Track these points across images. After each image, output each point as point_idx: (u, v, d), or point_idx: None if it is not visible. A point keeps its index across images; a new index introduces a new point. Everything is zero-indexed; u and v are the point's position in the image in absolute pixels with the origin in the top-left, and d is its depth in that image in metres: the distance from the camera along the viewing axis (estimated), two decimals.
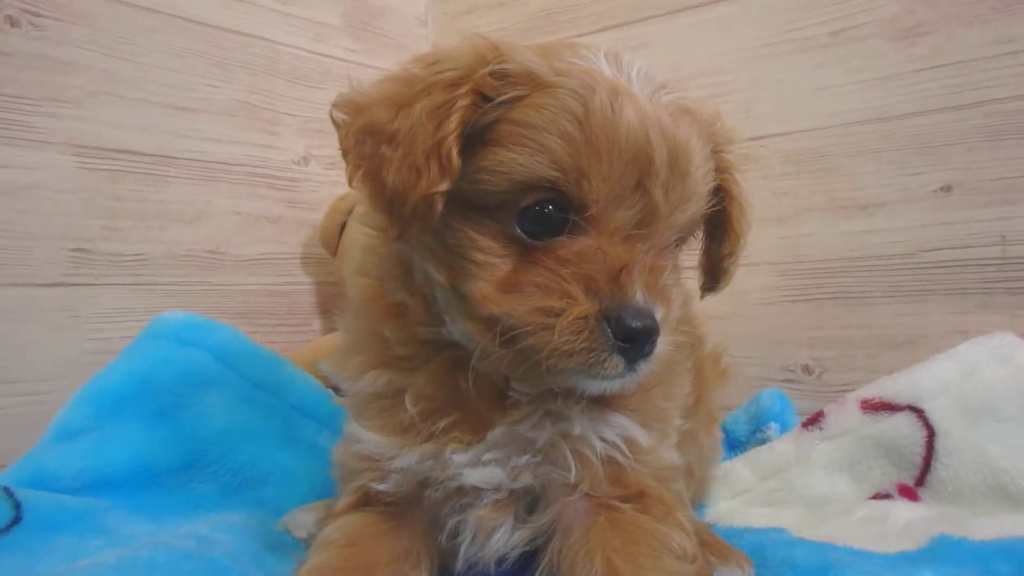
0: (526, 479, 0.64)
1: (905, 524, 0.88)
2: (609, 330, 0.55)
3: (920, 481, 0.97)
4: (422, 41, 1.55)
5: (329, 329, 1.36)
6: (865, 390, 1.02)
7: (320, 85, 1.36)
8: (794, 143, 1.15)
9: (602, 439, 0.64)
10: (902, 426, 0.98)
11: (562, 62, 0.59)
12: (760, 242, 1.17)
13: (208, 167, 1.22)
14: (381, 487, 0.68)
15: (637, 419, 0.66)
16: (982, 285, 1.02)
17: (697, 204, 0.61)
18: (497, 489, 0.65)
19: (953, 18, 1.03)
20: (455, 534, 0.67)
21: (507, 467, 0.64)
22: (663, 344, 0.57)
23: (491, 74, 0.58)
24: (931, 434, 0.96)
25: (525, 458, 0.64)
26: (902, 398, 0.99)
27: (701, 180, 0.61)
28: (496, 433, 0.64)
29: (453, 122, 0.56)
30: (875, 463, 0.99)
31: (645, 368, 0.57)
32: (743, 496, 1.05)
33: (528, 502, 0.66)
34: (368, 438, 0.68)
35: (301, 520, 0.88)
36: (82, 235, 1.09)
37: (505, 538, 0.66)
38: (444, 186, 0.56)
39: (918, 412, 0.97)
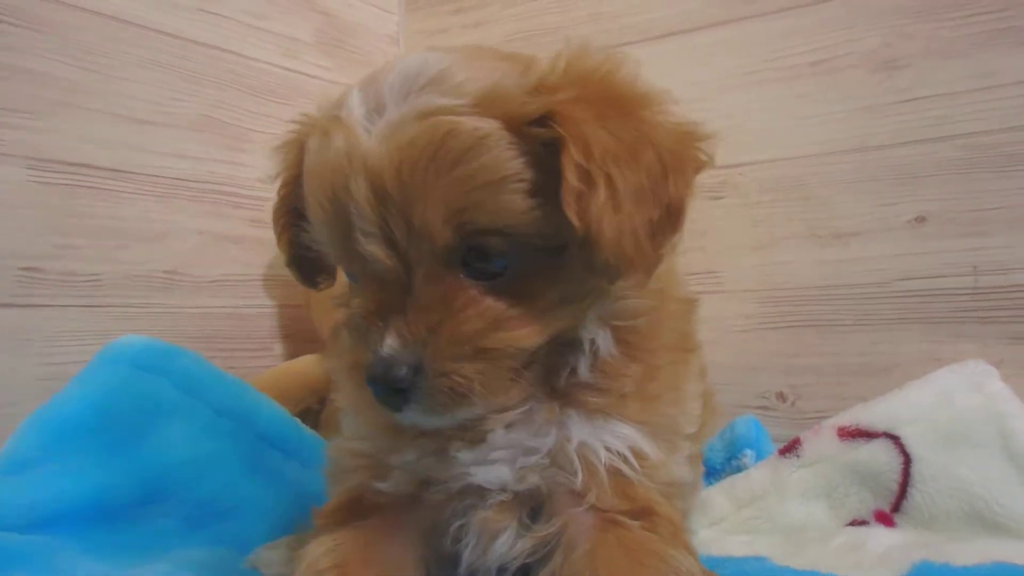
0: (533, 480, 0.62)
1: (884, 551, 0.88)
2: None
3: (896, 507, 0.97)
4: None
5: (291, 354, 1.32)
6: (841, 417, 1.02)
7: (289, 102, 1.33)
8: (772, 171, 1.15)
9: (607, 448, 0.62)
10: (879, 453, 0.98)
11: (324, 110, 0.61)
12: (737, 269, 1.17)
13: (170, 184, 1.17)
14: (381, 486, 0.65)
15: (645, 430, 0.63)
16: (954, 314, 1.03)
17: (456, 214, 0.54)
18: (503, 490, 0.62)
19: (931, 52, 1.05)
20: (457, 539, 0.64)
21: (514, 467, 0.62)
22: (442, 379, 0.55)
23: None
24: (907, 460, 0.96)
25: (533, 459, 0.62)
26: (878, 425, 0.99)
27: (440, 188, 0.53)
28: (497, 435, 0.62)
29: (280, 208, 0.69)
30: (852, 490, 0.99)
31: (427, 406, 0.56)
32: (720, 524, 1.04)
33: (533, 508, 0.64)
34: (367, 432, 0.65)
35: (269, 558, 0.84)
36: (34, 253, 1.03)
37: (509, 543, 0.63)
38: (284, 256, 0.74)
39: (894, 439, 0.97)
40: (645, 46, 1.27)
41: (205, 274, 1.20)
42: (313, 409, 1.21)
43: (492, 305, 0.56)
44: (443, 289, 0.56)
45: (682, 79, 1.23)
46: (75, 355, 1.04)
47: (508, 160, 0.54)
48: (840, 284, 1.09)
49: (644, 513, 0.62)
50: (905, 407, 0.98)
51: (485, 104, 0.54)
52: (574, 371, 0.62)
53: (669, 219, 0.56)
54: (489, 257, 0.56)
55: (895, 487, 0.96)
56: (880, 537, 0.91)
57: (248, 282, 1.27)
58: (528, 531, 0.63)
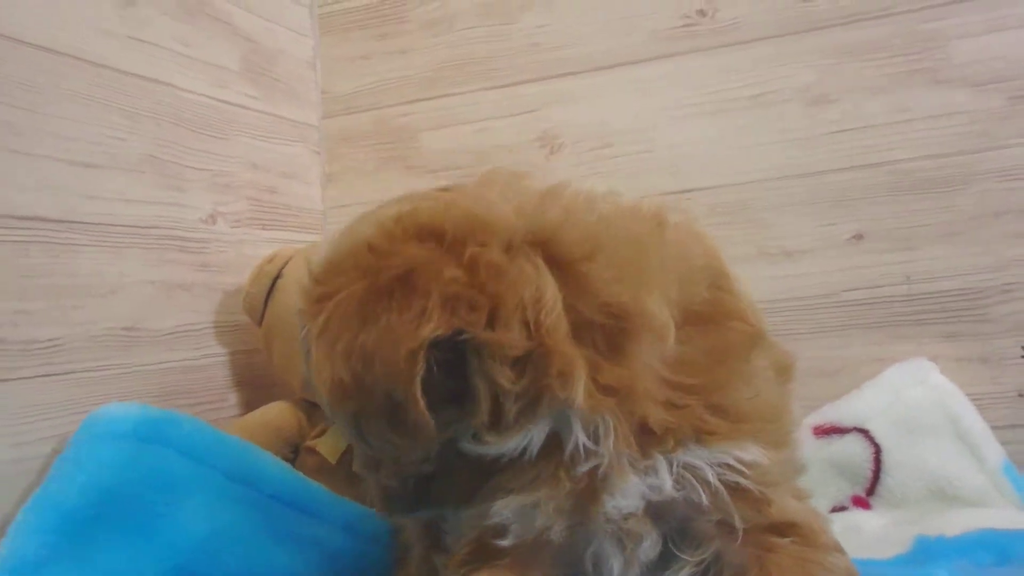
0: (668, 493, 0.60)
1: (881, 531, 1.01)
2: None
3: (871, 491, 1.10)
4: (311, 86, 1.46)
5: (247, 402, 1.24)
6: (813, 418, 1.14)
7: (223, 135, 1.24)
8: (720, 196, 1.25)
9: (712, 464, 0.60)
10: (852, 445, 1.11)
11: None
12: None
13: (119, 232, 1.06)
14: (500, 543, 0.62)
15: (749, 439, 0.61)
16: (892, 319, 1.17)
17: None
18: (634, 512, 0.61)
19: (857, 88, 1.19)
20: (596, 562, 0.63)
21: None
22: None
23: None
24: (878, 450, 1.10)
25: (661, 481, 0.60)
26: (847, 421, 1.12)
27: None
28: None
29: None
30: (831, 480, 1.11)
31: None
32: None
33: (677, 529, 0.63)
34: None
35: None
36: None
37: (655, 550, 0.62)
38: None
39: (864, 432, 1.11)
40: (587, 77, 1.33)
41: (161, 327, 1.10)
42: (288, 459, 1.15)
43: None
44: None
45: (628, 109, 1.30)
46: (46, 430, 0.93)
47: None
48: (791, 297, 1.21)
49: (789, 528, 0.62)
50: (868, 403, 1.11)
51: None
52: None
53: (400, 404, 0.55)
54: None
55: (869, 474, 1.09)
56: (870, 520, 1.04)
57: (200, 332, 1.18)
58: (681, 552, 0.63)
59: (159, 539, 0.84)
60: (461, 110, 1.40)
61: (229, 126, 1.26)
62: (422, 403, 0.52)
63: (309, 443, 1.16)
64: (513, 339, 0.53)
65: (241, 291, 1.20)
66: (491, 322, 0.53)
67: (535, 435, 0.58)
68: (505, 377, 0.54)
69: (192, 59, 1.21)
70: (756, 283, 1.17)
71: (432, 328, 0.51)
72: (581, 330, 0.56)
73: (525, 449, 0.58)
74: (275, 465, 1.00)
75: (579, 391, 0.55)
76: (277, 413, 1.17)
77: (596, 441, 0.58)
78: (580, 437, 0.57)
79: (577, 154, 1.33)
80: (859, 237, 1.19)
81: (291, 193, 1.39)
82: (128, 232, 1.07)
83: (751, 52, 1.24)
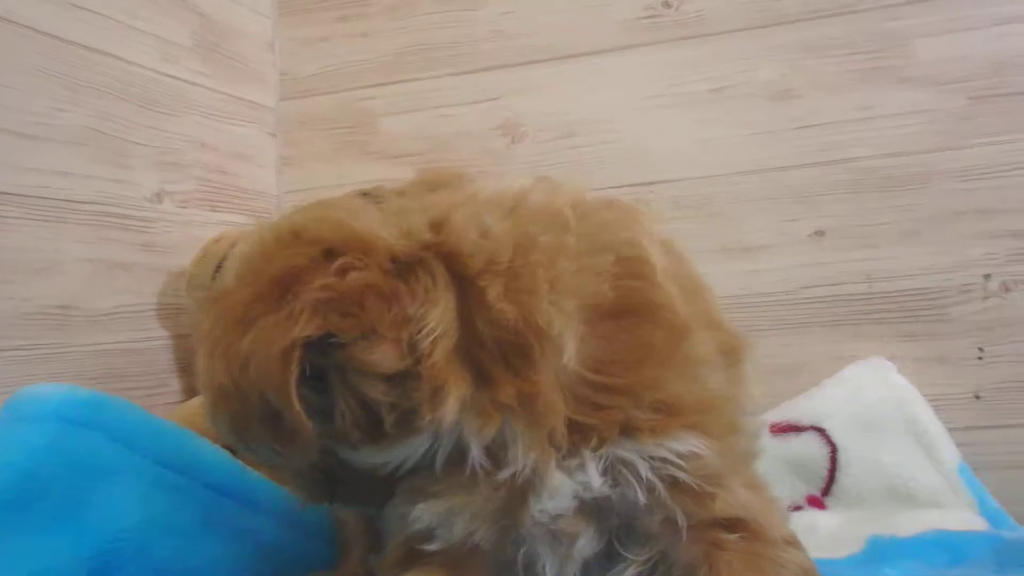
0: (600, 490, 0.58)
1: (836, 530, 0.99)
2: None
3: (826, 491, 1.09)
4: (269, 67, 1.42)
5: (189, 388, 1.19)
6: (771, 415, 1.12)
7: (173, 112, 1.20)
8: (682, 190, 1.23)
9: (645, 458, 0.58)
10: (809, 443, 1.09)
11: None
12: None
13: (56, 206, 1.01)
14: (428, 547, 0.60)
15: (686, 430, 0.58)
16: (853, 317, 1.16)
17: None
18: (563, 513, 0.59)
19: (820, 85, 1.18)
20: (528, 563, 0.61)
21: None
22: None
23: None
24: (834, 449, 1.08)
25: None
26: (805, 420, 1.10)
27: None
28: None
29: None
30: (787, 479, 1.09)
31: None
32: None
33: (621, 527, 0.61)
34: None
35: None
36: None
37: (591, 547, 0.61)
38: None
39: (820, 431, 1.09)
40: (550, 66, 1.31)
41: (98, 307, 1.06)
42: (230, 448, 1.11)
43: None
44: None
45: (589, 99, 1.28)
46: None
47: None
48: (752, 293, 1.20)
49: (736, 524, 0.60)
50: (826, 402, 1.10)
51: None
52: None
53: (278, 410, 0.53)
54: None
55: (825, 473, 1.08)
56: (825, 520, 1.03)
57: (142, 313, 1.13)
58: (625, 550, 0.61)
59: (81, 526, 0.79)
60: (422, 96, 1.37)
61: (177, 103, 1.21)
62: (297, 406, 0.51)
63: None
64: (385, 357, 0.52)
65: (185, 273, 1.16)
66: (365, 335, 0.52)
67: (419, 448, 0.57)
68: (378, 391, 0.53)
69: (140, 31, 1.16)
70: (716, 278, 1.15)
71: (301, 328, 0.51)
72: (478, 345, 0.55)
73: (433, 456, 0.57)
74: (213, 453, 0.95)
75: (448, 412, 0.53)
76: None
77: (504, 450, 0.56)
78: (475, 452, 0.56)
79: (539, 143, 1.31)
80: (820, 234, 1.18)
81: (244, 175, 1.34)
82: (65, 207, 1.03)
83: (715, 45, 1.23)
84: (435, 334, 0.53)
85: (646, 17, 1.27)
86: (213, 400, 0.55)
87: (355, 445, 0.56)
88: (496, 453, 0.57)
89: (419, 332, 0.52)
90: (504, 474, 0.57)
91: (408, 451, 0.57)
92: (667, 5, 1.26)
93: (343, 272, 0.53)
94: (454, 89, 1.36)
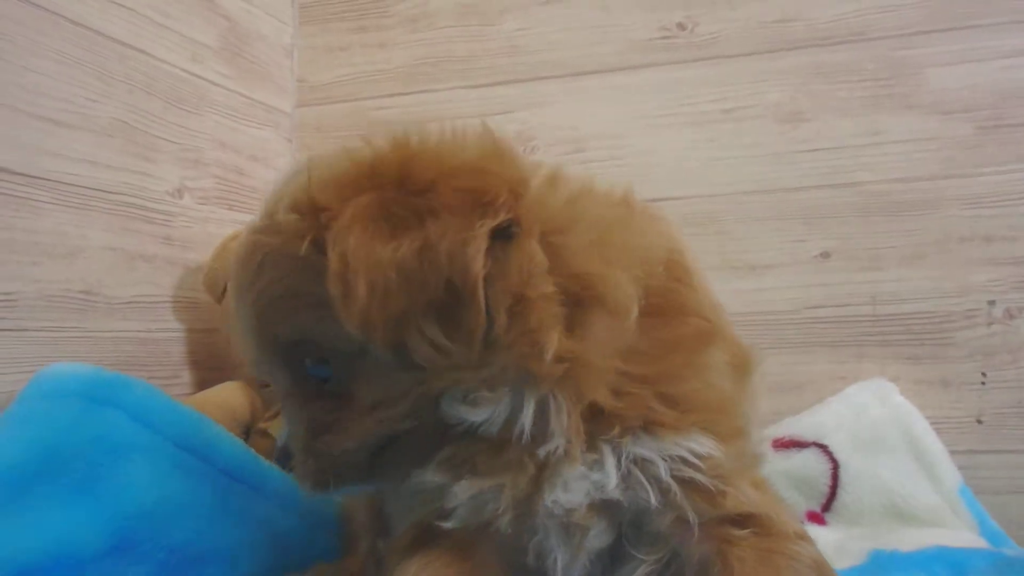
0: (612, 493, 0.60)
1: (838, 545, 1.00)
2: None
3: (827, 507, 1.10)
4: (287, 73, 1.45)
5: (200, 381, 1.20)
6: (773, 430, 1.14)
7: (196, 111, 1.22)
8: (690, 207, 1.26)
9: (664, 457, 0.59)
10: (810, 460, 1.11)
11: None
12: None
13: (83, 193, 1.03)
14: (444, 524, 0.61)
15: (699, 429, 0.60)
16: (856, 338, 1.19)
17: (257, 327, 0.60)
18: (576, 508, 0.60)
19: (829, 109, 1.22)
20: (539, 552, 0.62)
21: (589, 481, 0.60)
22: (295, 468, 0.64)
23: None
24: (836, 465, 1.10)
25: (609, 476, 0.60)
26: (808, 436, 1.12)
27: (245, 305, 0.60)
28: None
29: None
30: (788, 494, 1.11)
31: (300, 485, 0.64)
32: None
33: (631, 524, 0.62)
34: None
35: None
36: None
37: (601, 540, 0.62)
38: None
39: (823, 447, 1.11)
40: (563, 82, 1.34)
41: (118, 295, 1.07)
42: (243, 437, 1.12)
43: (317, 410, 0.61)
44: (292, 393, 0.62)
45: (601, 115, 1.31)
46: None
47: (288, 276, 0.57)
48: (756, 311, 1.22)
49: (747, 520, 0.61)
50: (828, 419, 1.12)
51: (269, 226, 0.58)
52: None
53: (457, 300, 0.52)
54: (314, 364, 0.60)
55: (826, 489, 1.09)
56: (824, 535, 1.04)
57: (158, 305, 1.14)
58: (636, 549, 0.62)
59: (101, 501, 0.80)
60: (436, 107, 1.40)
61: (201, 101, 1.24)
62: (482, 292, 0.51)
63: (262, 425, 1.13)
64: (542, 257, 0.55)
65: (203, 268, 1.17)
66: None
67: (499, 410, 0.58)
68: (500, 320, 0.54)
69: (170, 30, 1.19)
70: (722, 296, 1.17)
71: (494, 214, 0.52)
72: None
73: (486, 424, 0.58)
74: (228, 440, 0.96)
75: (550, 347, 0.55)
76: (231, 393, 1.14)
77: (546, 423, 0.58)
78: (527, 415, 0.57)
79: (550, 157, 1.33)
80: (826, 255, 1.21)
81: (259, 177, 1.36)
82: (92, 195, 1.04)
83: (727, 67, 1.27)
84: (543, 270, 0.55)
85: (660, 38, 1.30)
86: (373, 299, 0.51)
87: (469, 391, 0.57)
88: (539, 424, 0.58)
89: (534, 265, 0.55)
90: (543, 450, 0.58)
91: (494, 410, 0.58)
92: (681, 27, 1.29)
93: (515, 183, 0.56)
94: (467, 102, 1.39)
